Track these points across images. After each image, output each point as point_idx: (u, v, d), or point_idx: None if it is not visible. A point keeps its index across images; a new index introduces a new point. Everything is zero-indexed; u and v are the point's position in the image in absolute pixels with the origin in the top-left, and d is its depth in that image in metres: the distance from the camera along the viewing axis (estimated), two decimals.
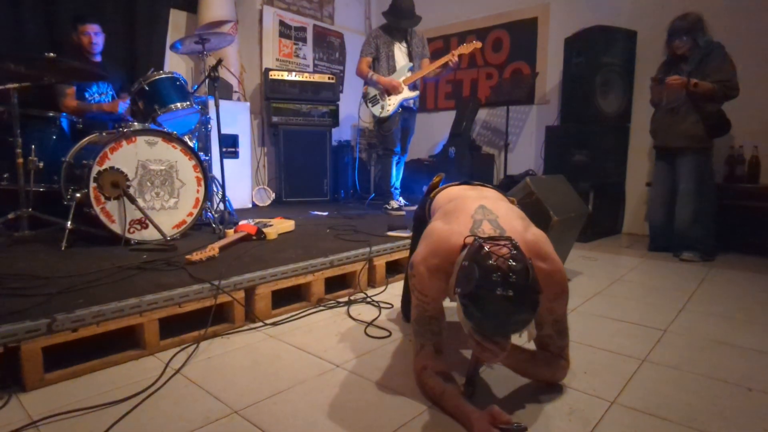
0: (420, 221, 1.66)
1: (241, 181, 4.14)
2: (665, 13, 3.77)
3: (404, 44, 3.85)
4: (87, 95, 3.09)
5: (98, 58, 3.13)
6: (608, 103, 3.82)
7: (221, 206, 3.05)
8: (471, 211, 1.30)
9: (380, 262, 2.41)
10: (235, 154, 4.05)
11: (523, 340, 1.16)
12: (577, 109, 3.88)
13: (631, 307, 2.18)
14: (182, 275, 1.83)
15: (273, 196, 4.43)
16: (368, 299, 2.18)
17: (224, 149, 3.88)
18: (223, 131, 3.86)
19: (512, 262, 1.00)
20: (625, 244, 3.72)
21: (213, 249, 2.11)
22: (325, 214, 3.71)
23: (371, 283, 2.41)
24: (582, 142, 3.81)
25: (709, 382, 1.44)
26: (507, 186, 3.65)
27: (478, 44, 3.77)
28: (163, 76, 2.77)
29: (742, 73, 2.99)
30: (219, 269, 1.90)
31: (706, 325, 1.94)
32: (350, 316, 1.98)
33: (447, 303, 1.31)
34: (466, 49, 3.73)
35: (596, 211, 3.77)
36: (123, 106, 2.93)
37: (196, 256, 2.02)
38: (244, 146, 4.13)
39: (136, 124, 2.53)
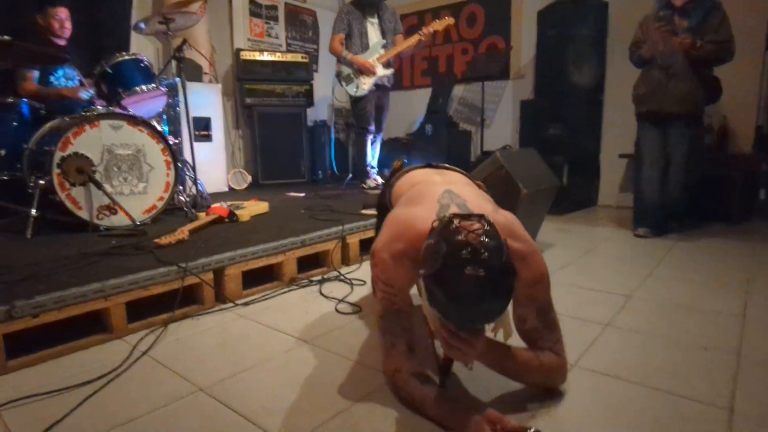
0: (382, 208, 1.58)
1: (216, 165, 4.09)
2: None
3: (376, 19, 3.79)
4: (52, 79, 2.99)
5: (64, 43, 3.03)
6: (581, 75, 3.82)
7: (194, 190, 3.02)
8: (437, 195, 1.21)
9: (353, 240, 2.41)
10: (208, 138, 3.98)
11: (498, 338, 1.11)
12: (551, 82, 3.88)
13: (600, 275, 2.22)
14: (149, 259, 1.81)
15: (249, 179, 4.39)
16: (341, 277, 2.19)
17: (196, 132, 3.84)
18: (195, 114, 3.82)
19: (485, 238, 0.89)
20: (600, 216, 3.78)
21: (182, 232, 2.09)
22: (302, 195, 3.70)
23: (345, 261, 2.41)
24: (556, 115, 3.83)
25: (668, 343, 1.49)
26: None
27: (451, 20, 3.73)
28: (126, 58, 2.69)
29: None
30: (188, 252, 1.88)
31: (670, 290, 1.99)
32: (322, 294, 1.99)
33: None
34: (439, 25, 3.68)
35: (571, 184, 3.82)
36: (86, 93, 2.84)
37: (164, 240, 2.00)
38: (218, 129, 4.06)
39: (99, 108, 2.46)
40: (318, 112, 5.17)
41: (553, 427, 1.06)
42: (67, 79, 3.04)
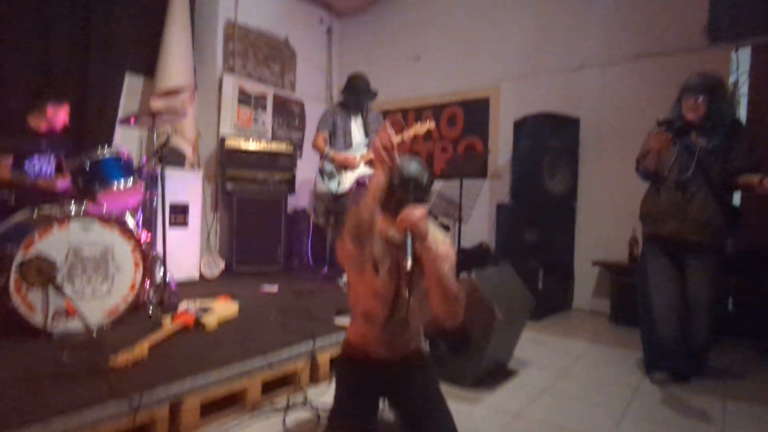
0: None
1: (189, 250, 3.98)
2: (604, 101, 4.07)
3: (360, 119, 3.93)
4: (27, 164, 2.94)
5: (48, 130, 3.03)
6: (555, 183, 3.98)
7: (162, 283, 2.90)
8: None
9: (324, 358, 2.31)
10: (184, 223, 3.92)
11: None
12: (526, 188, 4.02)
13: (574, 409, 2.15)
14: (101, 386, 1.68)
15: (222, 265, 4.27)
16: (308, 403, 2.07)
17: (172, 218, 3.78)
18: (173, 199, 3.79)
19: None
20: (575, 323, 3.77)
21: (142, 349, 1.97)
22: (275, 289, 3.59)
23: (314, 378, 2.30)
24: (532, 220, 3.92)
25: None
26: (461, 259, 3.67)
27: (432, 124, 3.87)
28: (108, 156, 2.67)
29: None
30: (145, 374, 1.77)
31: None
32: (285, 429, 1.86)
33: None
34: (420, 128, 3.82)
35: (546, 289, 3.84)
36: (62, 184, 2.79)
37: (121, 360, 1.87)
38: (195, 215, 4.01)
39: (72, 205, 2.41)
40: (299, 199, 5.20)
41: None
42: (42, 164, 2.99)
